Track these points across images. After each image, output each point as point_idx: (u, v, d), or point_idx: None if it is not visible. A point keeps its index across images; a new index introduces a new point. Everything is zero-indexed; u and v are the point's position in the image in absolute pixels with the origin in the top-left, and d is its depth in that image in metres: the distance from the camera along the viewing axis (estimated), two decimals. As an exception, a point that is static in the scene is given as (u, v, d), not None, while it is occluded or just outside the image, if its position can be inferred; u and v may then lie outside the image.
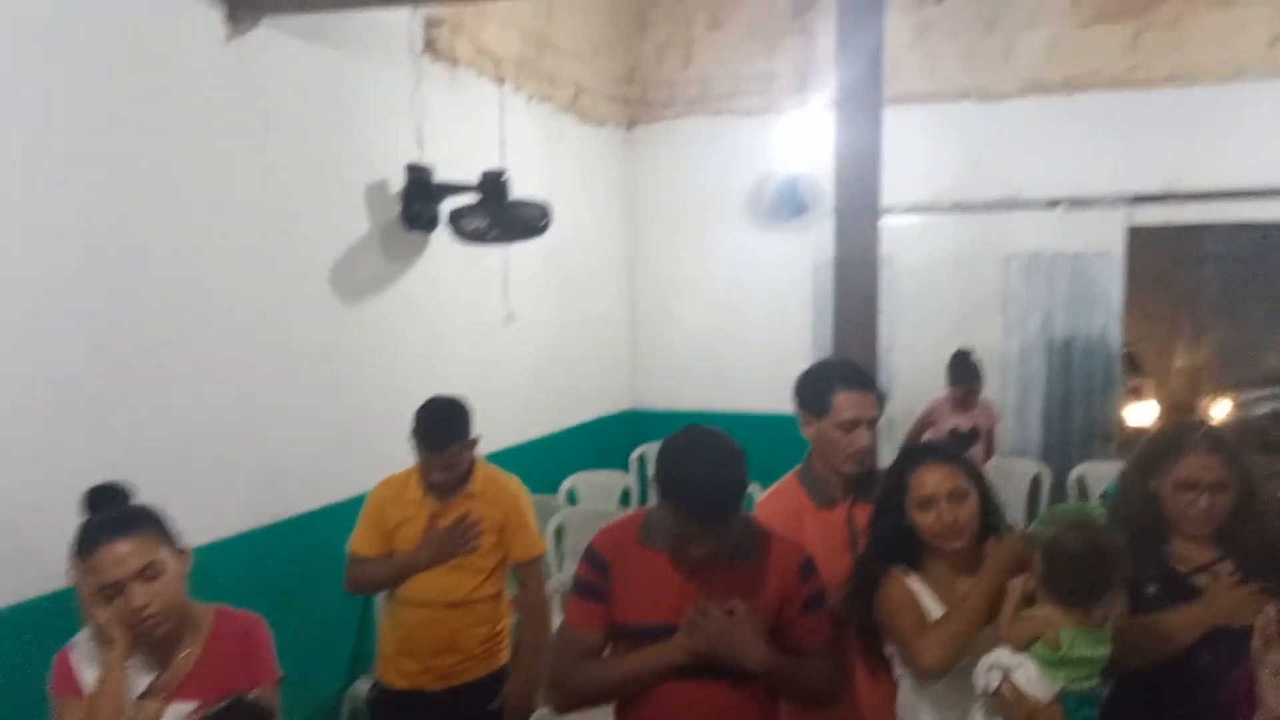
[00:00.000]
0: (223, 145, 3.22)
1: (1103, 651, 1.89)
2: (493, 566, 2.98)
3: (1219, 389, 7.60)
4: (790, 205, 6.18)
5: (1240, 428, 2.93)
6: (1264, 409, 6.13)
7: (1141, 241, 5.94)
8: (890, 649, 2.14)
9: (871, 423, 2.34)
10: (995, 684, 1.89)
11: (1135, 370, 7.92)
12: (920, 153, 5.84)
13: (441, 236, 4.21)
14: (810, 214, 6.05)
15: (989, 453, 5.52)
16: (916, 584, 2.10)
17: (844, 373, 2.43)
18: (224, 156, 3.22)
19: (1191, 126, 5.63)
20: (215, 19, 3.19)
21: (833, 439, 2.34)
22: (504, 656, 3.04)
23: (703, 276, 6.59)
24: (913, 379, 5.95)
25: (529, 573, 3.04)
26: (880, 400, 2.39)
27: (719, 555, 1.97)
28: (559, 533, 4.57)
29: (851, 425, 2.32)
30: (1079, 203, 5.84)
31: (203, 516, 2.99)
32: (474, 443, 2.96)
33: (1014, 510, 5.26)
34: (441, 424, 2.87)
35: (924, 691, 2.07)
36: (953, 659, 1.97)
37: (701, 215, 6.56)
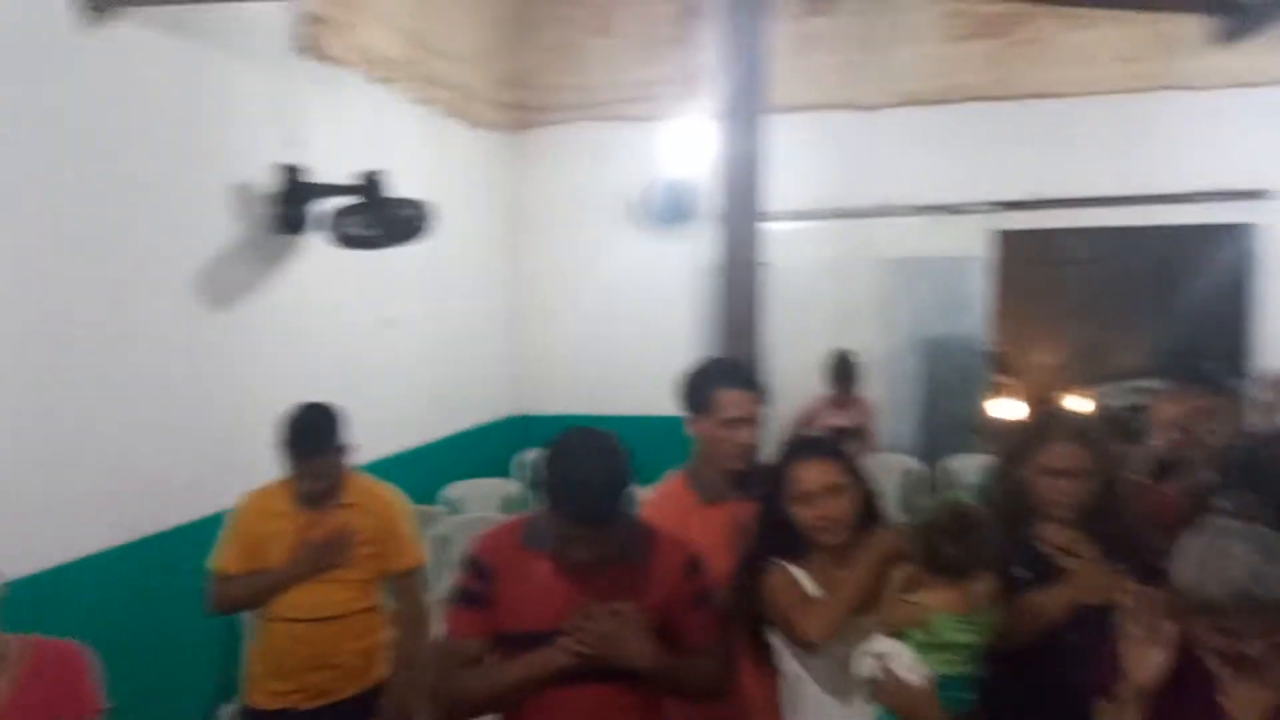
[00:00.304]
0: (75, 140, 3.02)
1: (975, 637, 1.95)
2: (368, 579, 2.87)
3: (1078, 384, 8.02)
4: (675, 211, 6.23)
5: (1101, 418, 3.07)
6: (1120, 402, 6.50)
7: (1007, 246, 6.23)
8: (774, 639, 2.15)
9: (754, 420, 2.35)
10: (873, 671, 1.93)
11: (1001, 368, 8.28)
12: (801, 161, 5.95)
13: (315, 239, 4.07)
14: (695, 219, 6.12)
15: (866, 449, 5.67)
16: (798, 573, 2.12)
17: (726, 371, 2.44)
18: (77, 152, 3.03)
19: (1052, 138, 5.96)
20: (70, 6, 2.99)
21: (717, 436, 2.35)
22: (381, 671, 2.93)
23: (589, 281, 6.58)
24: (794, 380, 6.07)
25: (407, 584, 2.95)
26: (763, 398, 2.41)
27: (603, 556, 1.94)
28: (440, 543, 4.46)
29: (734, 423, 2.33)
30: (950, 209, 6.09)
31: (54, 534, 2.80)
32: (345, 450, 2.84)
33: (889, 503, 5.42)
34: (310, 431, 2.75)
35: (806, 683, 2.09)
36: (834, 629, 2.00)
37: (587, 220, 6.56)
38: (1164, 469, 3.11)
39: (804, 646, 2.05)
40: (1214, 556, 1.67)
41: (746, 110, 3.76)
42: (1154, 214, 5.96)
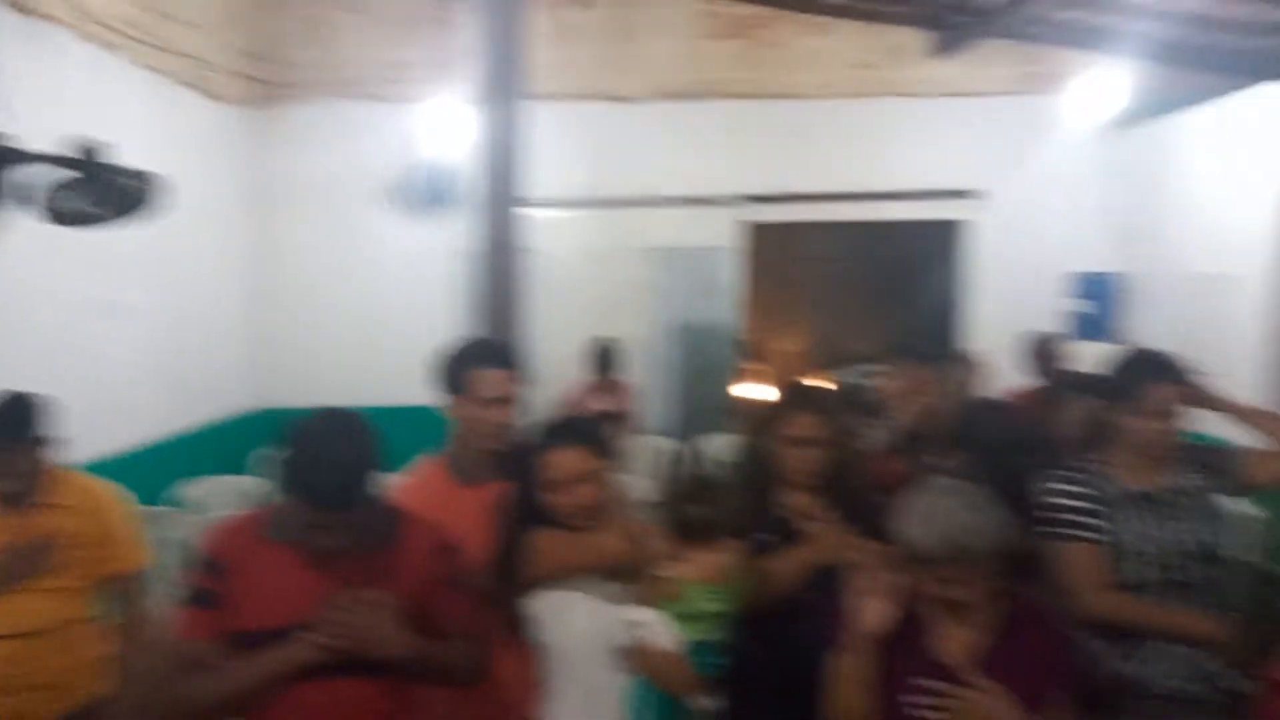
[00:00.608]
0: None
1: (725, 604, 2.03)
2: (79, 587, 2.59)
3: (819, 369, 8.63)
4: (434, 195, 6.09)
5: (839, 393, 3.31)
6: (856, 383, 7.05)
7: (756, 238, 6.59)
8: (530, 614, 2.15)
9: (512, 399, 2.33)
10: (629, 640, 1.97)
11: (751, 354, 8.75)
12: (561, 149, 6.00)
13: (22, 213, 3.61)
14: (455, 204, 6.00)
15: (628, 434, 5.80)
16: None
17: (482, 351, 2.40)
18: None
19: (794, 136, 6.36)
20: None
21: (474, 417, 2.30)
22: (97, 687, 2.65)
23: (342, 267, 6.30)
24: (558, 367, 6.12)
25: (128, 590, 2.69)
26: (520, 377, 2.39)
27: (351, 544, 1.85)
28: (169, 545, 4.10)
29: (492, 402, 2.30)
30: (703, 201, 6.35)
31: None
32: (44, 444, 2.54)
33: (648, 484, 5.58)
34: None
35: (564, 657, 2.10)
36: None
37: (341, 203, 6.28)
38: (906, 440, 3.42)
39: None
40: (930, 513, 1.84)
41: (505, 95, 3.74)
42: (881, 210, 6.51)
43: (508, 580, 2.12)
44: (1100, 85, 5.83)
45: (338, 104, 6.22)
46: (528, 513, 2.14)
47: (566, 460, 2.09)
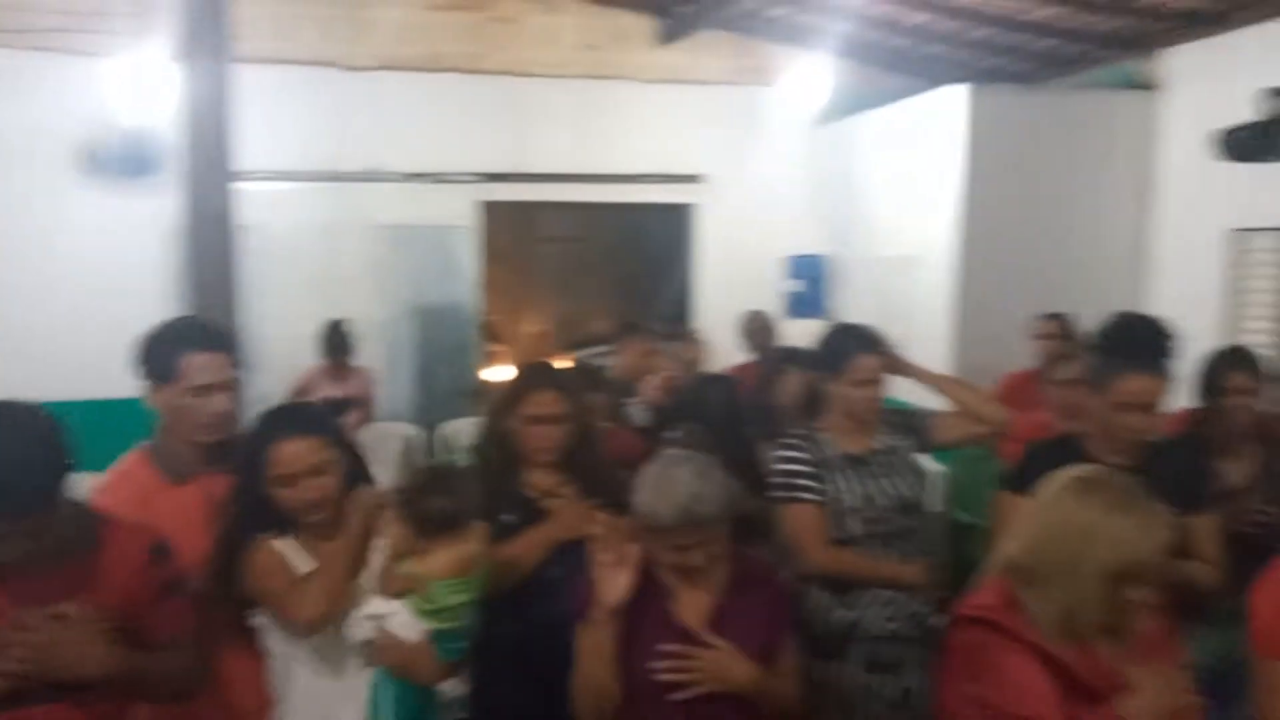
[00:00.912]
0: None
1: (468, 595, 2.00)
2: None
3: (560, 350, 8.73)
4: (134, 163, 5.48)
5: (575, 371, 3.35)
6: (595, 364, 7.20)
7: (492, 217, 6.53)
8: (259, 618, 2.01)
9: (228, 385, 2.15)
10: (369, 633, 1.90)
11: (492, 336, 8.71)
12: (282, 118, 5.63)
13: None
14: (158, 173, 5.44)
15: (367, 419, 5.58)
16: (285, 545, 2.01)
17: (193, 333, 2.19)
18: None
19: (527, 115, 6.34)
20: None
21: (184, 406, 2.10)
22: None
23: (22, 242, 5.52)
24: (287, 352, 5.75)
25: None
26: (237, 361, 2.21)
27: (40, 553, 1.63)
28: None
29: (204, 390, 2.10)
30: (436, 178, 6.19)
31: None
32: None
33: (390, 471, 5.41)
34: None
35: (295, 662, 1.99)
36: (331, 609, 1.93)
37: (25, 170, 5.49)
38: (643, 415, 3.55)
39: (300, 629, 1.94)
40: (662, 483, 1.91)
41: (211, 53, 3.42)
42: (614, 192, 6.65)
43: (230, 583, 1.97)
44: (806, 80, 6.29)
45: (18, 55, 5.44)
46: (253, 510, 1.99)
47: (296, 452, 1.96)
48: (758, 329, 5.11)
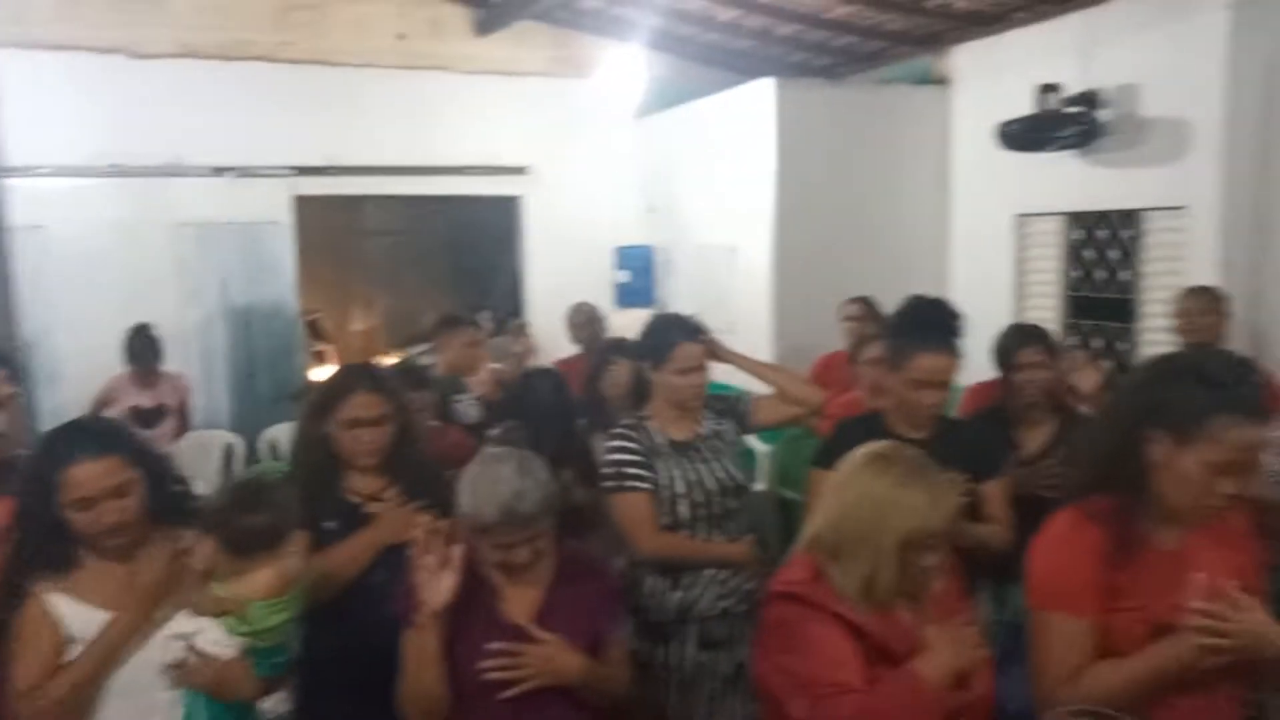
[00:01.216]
0: None
1: (289, 613, 1.93)
2: None
3: (391, 347, 8.50)
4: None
5: (398, 369, 3.28)
6: (424, 361, 7.05)
7: (310, 212, 6.28)
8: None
9: (4, 402, 1.99)
10: (178, 653, 1.80)
11: (318, 335, 8.38)
12: (65, 109, 5.23)
13: None
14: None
15: (183, 428, 5.27)
16: (63, 601, 1.87)
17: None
18: None
19: (341, 106, 6.12)
20: None
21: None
22: None
23: None
24: (85, 360, 5.35)
25: None
26: (14, 375, 2.04)
27: None
28: None
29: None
30: (246, 171, 5.89)
31: None
32: None
33: (210, 482, 5.14)
34: None
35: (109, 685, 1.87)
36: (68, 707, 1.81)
37: None
38: (470, 411, 3.51)
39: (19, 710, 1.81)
40: (484, 482, 1.91)
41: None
42: (440, 185, 6.53)
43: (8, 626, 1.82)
44: (623, 72, 6.37)
45: None
46: (44, 537, 1.85)
47: (92, 474, 1.83)
48: (584, 321, 5.15)
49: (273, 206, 6.03)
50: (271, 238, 6.06)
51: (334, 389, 2.40)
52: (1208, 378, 1.67)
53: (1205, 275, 3.94)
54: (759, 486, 4.65)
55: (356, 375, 2.44)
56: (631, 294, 6.69)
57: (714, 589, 2.66)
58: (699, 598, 2.65)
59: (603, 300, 6.00)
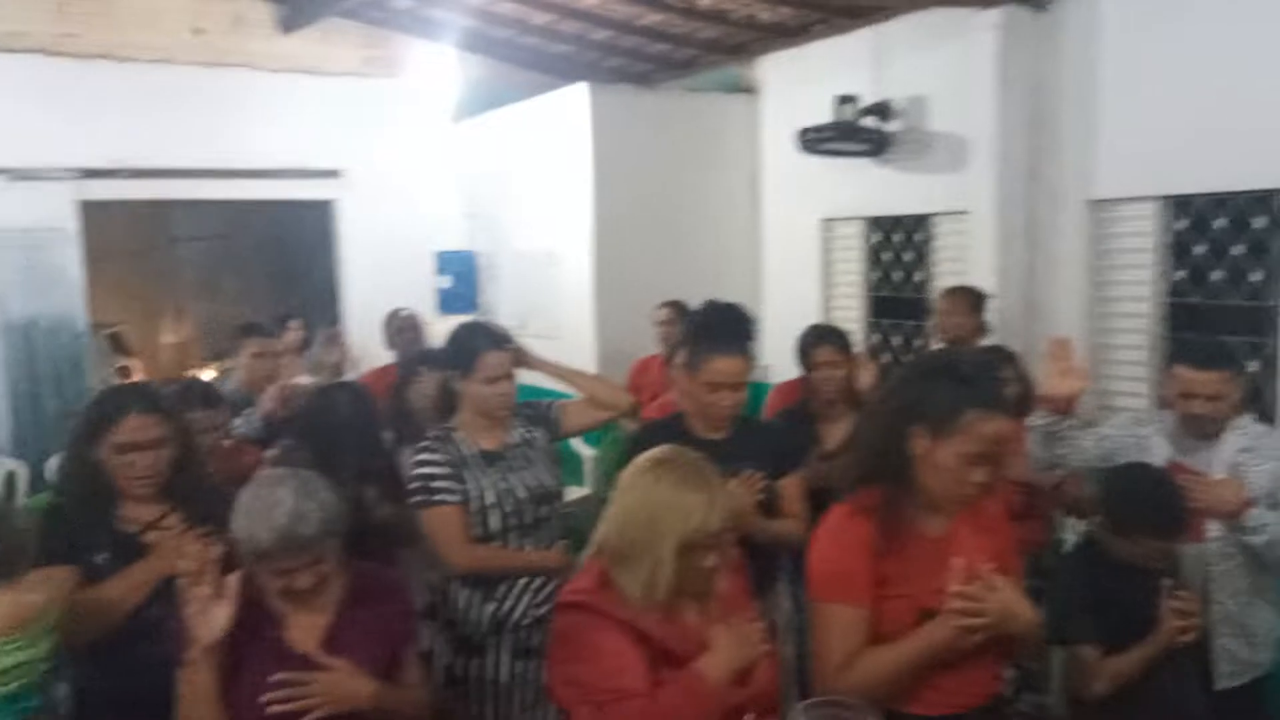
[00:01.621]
0: None
1: (37, 649, 1.78)
2: None
3: (209, 359, 8.04)
4: None
5: (180, 386, 3.08)
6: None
7: (105, 217, 5.84)
8: None
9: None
10: None
11: (122, 349, 7.83)
12: None
13: None
14: None
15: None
16: None
17: None
18: None
19: (134, 103, 5.73)
20: None
21: None
22: None
23: None
24: None
25: None
26: None
27: None
28: None
29: None
30: (23, 174, 5.43)
31: None
32: None
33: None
34: None
35: None
36: None
37: None
38: (260, 430, 3.34)
39: None
40: (260, 505, 1.82)
41: None
42: (247, 189, 6.21)
43: None
44: (437, 73, 6.26)
45: None
46: None
47: None
48: (399, 328, 5.01)
49: (56, 212, 5.57)
50: (55, 245, 5.59)
51: (104, 411, 2.22)
52: (959, 375, 1.79)
53: (984, 276, 4.23)
54: (584, 490, 4.67)
55: (129, 395, 2.28)
56: (454, 300, 6.59)
57: (528, 597, 2.65)
58: (513, 608, 2.63)
59: (425, 307, 5.87)
